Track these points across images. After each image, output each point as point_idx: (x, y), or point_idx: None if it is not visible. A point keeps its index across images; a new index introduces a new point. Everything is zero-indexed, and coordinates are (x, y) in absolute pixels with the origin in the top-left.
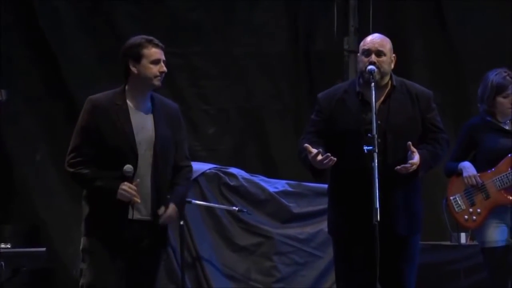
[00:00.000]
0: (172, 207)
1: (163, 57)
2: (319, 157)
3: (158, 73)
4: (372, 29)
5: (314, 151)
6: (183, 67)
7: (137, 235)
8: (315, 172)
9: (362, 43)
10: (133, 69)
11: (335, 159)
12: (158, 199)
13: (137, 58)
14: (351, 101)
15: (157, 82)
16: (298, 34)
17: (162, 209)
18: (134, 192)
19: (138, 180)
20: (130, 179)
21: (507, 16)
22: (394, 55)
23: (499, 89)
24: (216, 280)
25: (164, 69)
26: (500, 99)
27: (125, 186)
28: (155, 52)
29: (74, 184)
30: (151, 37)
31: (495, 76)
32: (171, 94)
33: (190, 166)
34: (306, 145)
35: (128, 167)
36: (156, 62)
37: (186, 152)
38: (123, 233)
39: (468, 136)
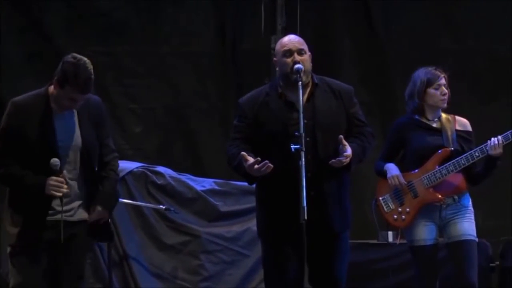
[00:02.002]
0: (98, 210)
1: (81, 99)
2: (256, 166)
3: (67, 107)
4: (300, 28)
5: (251, 159)
6: (110, 66)
7: (64, 235)
8: (250, 178)
9: (279, 46)
10: (54, 86)
11: (272, 166)
12: (88, 199)
13: (61, 84)
14: (274, 103)
15: (62, 111)
16: (225, 32)
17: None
18: (62, 184)
19: (64, 171)
20: (57, 172)
21: (434, 15)
22: (310, 53)
23: (430, 81)
24: (143, 279)
25: (74, 108)
26: (431, 90)
27: (53, 180)
28: (74, 93)
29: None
30: (84, 78)
31: (423, 71)
32: (98, 93)
33: (117, 157)
34: (243, 153)
35: (54, 161)
36: (71, 99)
37: (112, 146)
38: (46, 234)
39: (396, 135)
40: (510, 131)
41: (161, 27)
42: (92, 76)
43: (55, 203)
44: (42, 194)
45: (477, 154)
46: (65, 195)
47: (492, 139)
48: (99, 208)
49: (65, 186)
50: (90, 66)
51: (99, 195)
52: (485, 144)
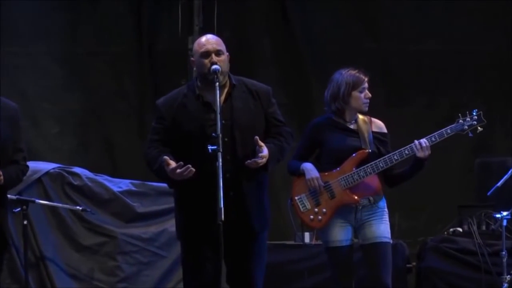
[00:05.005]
0: None
1: None
2: (179, 170)
3: None
4: (217, 29)
5: (173, 164)
6: (26, 67)
7: None
8: (172, 182)
9: (197, 46)
10: None
11: (194, 170)
12: None
13: None
14: (192, 105)
15: None
16: (142, 33)
17: None
18: None
19: None
20: None
21: (352, 15)
22: (227, 53)
23: (356, 84)
24: (60, 279)
25: None
26: (356, 93)
27: None
28: None
29: None
30: None
31: (346, 73)
32: (15, 93)
33: (27, 167)
34: (166, 157)
35: None
36: None
37: (25, 153)
38: None
39: (312, 135)
40: (436, 132)
41: (77, 27)
42: None
43: None
44: None
45: (396, 157)
46: None
47: (419, 141)
48: None
49: None
50: None
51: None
52: (404, 148)
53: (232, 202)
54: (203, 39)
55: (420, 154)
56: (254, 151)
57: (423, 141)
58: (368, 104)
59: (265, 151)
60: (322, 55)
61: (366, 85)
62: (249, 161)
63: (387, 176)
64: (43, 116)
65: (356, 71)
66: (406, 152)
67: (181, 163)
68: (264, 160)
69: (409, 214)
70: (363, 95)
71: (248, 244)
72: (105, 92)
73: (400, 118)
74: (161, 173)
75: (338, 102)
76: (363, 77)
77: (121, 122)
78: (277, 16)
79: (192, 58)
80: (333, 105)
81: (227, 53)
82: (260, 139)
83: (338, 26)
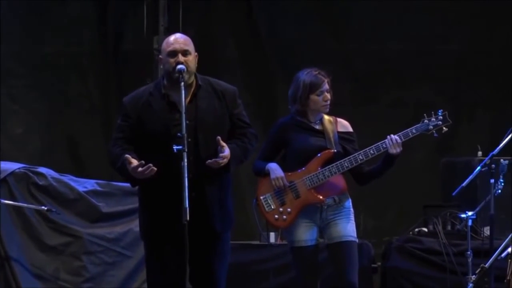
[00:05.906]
0: None
1: None
2: (140, 169)
3: None
4: (182, 29)
5: (135, 162)
6: None
7: None
8: (134, 181)
9: (165, 45)
10: None
11: (155, 169)
12: None
13: None
14: (157, 104)
15: None
16: (107, 32)
17: None
18: None
19: None
20: None
21: (318, 16)
22: (196, 53)
23: (313, 87)
24: (25, 280)
25: None
26: (313, 97)
27: None
28: None
29: None
30: None
31: (306, 75)
32: None
33: None
34: (127, 156)
35: None
36: None
37: None
38: None
39: (278, 135)
40: (402, 132)
41: (42, 26)
42: None
43: None
44: None
45: (361, 157)
46: None
47: (391, 137)
48: None
49: None
50: None
51: None
52: (369, 148)
53: (195, 202)
54: (172, 38)
55: (392, 150)
56: (217, 152)
57: (395, 137)
58: (328, 106)
59: (226, 152)
60: (287, 55)
61: (325, 87)
62: (209, 161)
63: (357, 174)
64: (8, 116)
65: (317, 72)
66: (371, 152)
67: (143, 162)
68: (226, 160)
69: (374, 214)
70: (321, 98)
71: (211, 244)
72: (70, 92)
73: (365, 118)
74: (124, 172)
75: (298, 104)
76: (323, 78)
77: (86, 122)
78: (242, 16)
79: (160, 56)
80: (294, 107)
81: (196, 53)
82: (223, 140)
83: (302, 26)
